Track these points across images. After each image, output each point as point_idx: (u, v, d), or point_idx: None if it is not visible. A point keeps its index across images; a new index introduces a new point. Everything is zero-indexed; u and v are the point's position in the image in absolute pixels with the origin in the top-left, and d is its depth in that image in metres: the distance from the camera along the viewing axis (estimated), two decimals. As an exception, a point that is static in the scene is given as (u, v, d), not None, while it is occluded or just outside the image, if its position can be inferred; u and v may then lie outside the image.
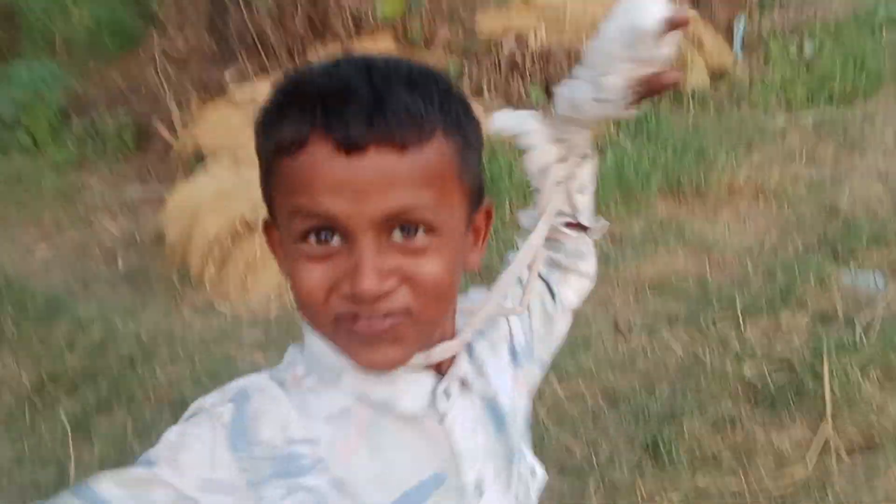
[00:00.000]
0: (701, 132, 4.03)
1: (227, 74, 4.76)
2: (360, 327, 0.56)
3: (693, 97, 4.52)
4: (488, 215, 0.65)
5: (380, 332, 0.56)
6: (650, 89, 0.67)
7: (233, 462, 0.56)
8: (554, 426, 2.10)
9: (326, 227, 0.54)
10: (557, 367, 2.30)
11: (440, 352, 0.62)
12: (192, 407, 0.60)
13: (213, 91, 4.64)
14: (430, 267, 0.56)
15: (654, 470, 1.93)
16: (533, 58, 4.76)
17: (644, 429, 2.05)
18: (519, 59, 4.77)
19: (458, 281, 0.60)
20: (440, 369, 0.64)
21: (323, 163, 0.53)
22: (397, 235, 0.55)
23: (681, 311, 2.60)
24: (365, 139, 0.53)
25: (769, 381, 2.17)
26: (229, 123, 4.02)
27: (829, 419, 1.97)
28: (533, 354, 0.77)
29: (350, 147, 0.53)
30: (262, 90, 4.21)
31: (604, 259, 2.91)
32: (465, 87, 4.44)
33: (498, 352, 0.72)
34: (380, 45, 4.86)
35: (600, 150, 3.79)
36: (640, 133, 3.97)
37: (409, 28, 5.06)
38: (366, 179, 0.53)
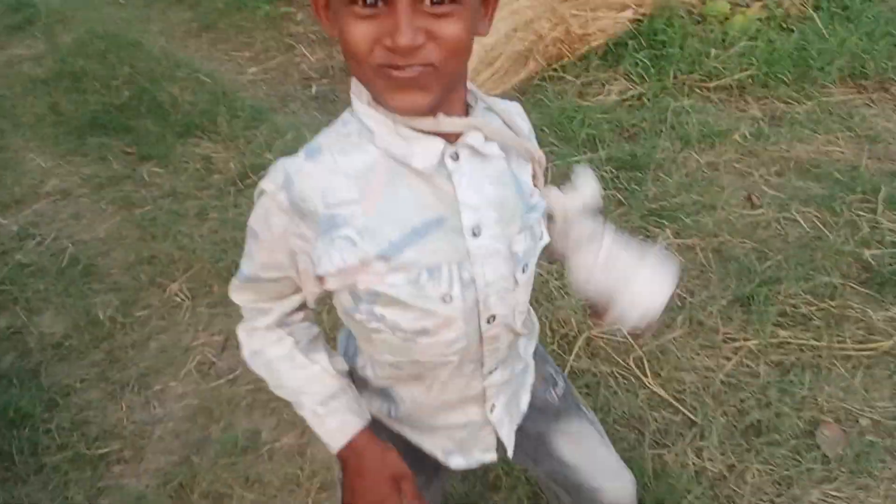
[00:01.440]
0: (910, 20, 3.67)
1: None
2: (395, 74, 0.70)
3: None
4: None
5: (410, 79, 0.71)
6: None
7: (300, 226, 0.81)
8: (660, 269, 2.29)
9: None
10: (676, 220, 2.46)
11: (448, 123, 0.78)
12: (258, 189, 0.83)
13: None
14: (452, 28, 0.69)
15: (742, 318, 2.10)
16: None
17: (744, 285, 2.20)
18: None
19: (472, 43, 0.75)
20: (452, 139, 0.80)
21: None
22: (427, 3, 0.68)
23: (821, 192, 2.60)
24: None
25: (885, 265, 2.20)
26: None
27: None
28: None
29: None
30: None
31: (756, 134, 2.93)
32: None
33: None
34: None
35: (788, 27, 3.62)
36: (838, 12, 3.69)
37: None
38: None
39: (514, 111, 0.92)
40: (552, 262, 1.03)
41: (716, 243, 2.39)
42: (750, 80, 3.27)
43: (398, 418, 0.99)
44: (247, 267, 0.89)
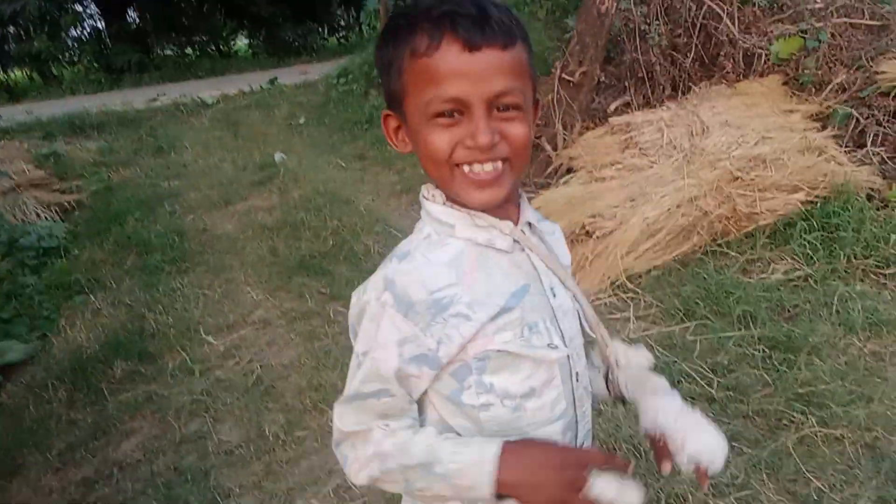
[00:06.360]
0: None
1: (612, 105, 5.35)
2: (473, 175, 0.85)
3: None
4: (537, 103, 0.93)
5: (487, 179, 0.86)
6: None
7: (408, 322, 0.87)
8: (802, 459, 2.18)
9: (454, 108, 0.82)
10: (824, 408, 2.34)
11: (510, 212, 0.94)
12: (359, 303, 0.90)
13: (596, 118, 5.27)
14: (519, 129, 0.85)
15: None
16: (938, 110, 4.31)
17: (894, 488, 2.02)
18: (920, 109, 4.37)
19: (532, 141, 0.88)
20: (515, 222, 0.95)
21: (453, 59, 0.80)
22: (496, 112, 0.84)
23: None
24: (480, 41, 0.80)
25: None
26: (600, 146, 4.60)
27: None
28: None
29: (471, 47, 0.80)
30: (637, 120, 4.68)
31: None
32: (849, 136, 4.28)
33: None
34: (766, 87, 4.91)
35: None
36: None
37: (802, 69, 4.98)
38: (481, 69, 0.81)
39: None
40: (614, 400, 1.12)
41: (868, 438, 2.23)
42: (934, 270, 3.09)
43: None
44: (350, 387, 0.93)
